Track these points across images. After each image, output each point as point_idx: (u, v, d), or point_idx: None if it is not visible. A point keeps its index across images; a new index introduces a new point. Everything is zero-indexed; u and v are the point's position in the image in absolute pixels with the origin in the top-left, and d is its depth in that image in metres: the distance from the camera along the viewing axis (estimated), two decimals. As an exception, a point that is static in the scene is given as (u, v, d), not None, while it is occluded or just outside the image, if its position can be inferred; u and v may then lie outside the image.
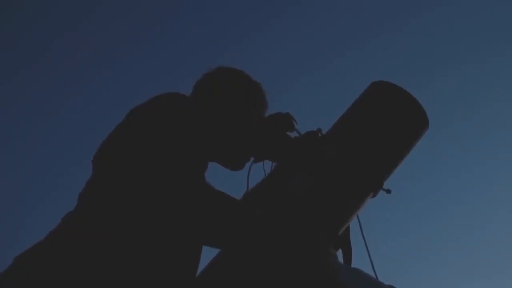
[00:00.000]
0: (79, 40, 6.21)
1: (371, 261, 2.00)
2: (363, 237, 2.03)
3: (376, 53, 6.14)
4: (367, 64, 5.95)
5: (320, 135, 2.00)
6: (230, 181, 2.02)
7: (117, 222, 1.61)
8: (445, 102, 6.03)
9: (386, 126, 2.00)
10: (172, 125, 1.70)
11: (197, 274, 1.76)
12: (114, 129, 1.77)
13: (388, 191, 2.00)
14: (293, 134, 2.03)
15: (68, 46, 6.22)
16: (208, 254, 1.79)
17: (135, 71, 6.27)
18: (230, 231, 1.70)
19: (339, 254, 1.99)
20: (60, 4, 6.24)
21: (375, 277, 1.96)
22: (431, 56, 6.19)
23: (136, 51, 6.32)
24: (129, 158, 1.66)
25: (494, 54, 6.01)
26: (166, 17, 6.34)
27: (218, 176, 1.92)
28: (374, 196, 2.00)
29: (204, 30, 6.28)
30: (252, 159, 2.04)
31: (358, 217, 2.03)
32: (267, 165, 2.04)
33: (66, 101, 6.15)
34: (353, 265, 2.01)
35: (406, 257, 5.90)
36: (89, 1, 6.14)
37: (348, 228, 2.03)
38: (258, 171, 2.04)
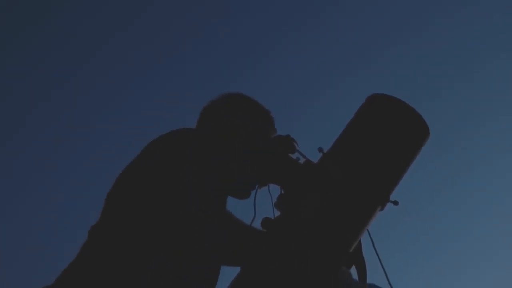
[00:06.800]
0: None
1: (386, 275, 1.99)
2: (376, 251, 2.03)
3: (370, 68, 6.18)
4: (362, 80, 5.98)
5: (321, 154, 2.01)
6: (237, 207, 2.03)
7: (140, 256, 1.69)
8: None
9: (386, 139, 2.00)
10: (189, 163, 1.78)
11: None
12: (129, 164, 1.84)
13: (396, 203, 1.99)
14: (295, 155, 2.04)
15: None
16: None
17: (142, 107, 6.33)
18: (247, 253, 1.80)
19: (353, 270, 1.99)
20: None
21: (391, 290, 1.95)
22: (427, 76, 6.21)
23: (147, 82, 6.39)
24: (147, 195, 1.73)
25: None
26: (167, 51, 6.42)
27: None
28: (382, 209, 2.00)
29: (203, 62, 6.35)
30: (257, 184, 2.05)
31: (368, 231, 2.02)
32: (273, 189, 2.05)
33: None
34: (368, 281, 2.00)
35: (421, 264, 5.86)
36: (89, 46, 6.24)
37: (359, 244, 2.02)
38: (265, 195, 2.05)
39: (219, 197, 1.86)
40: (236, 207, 2.03)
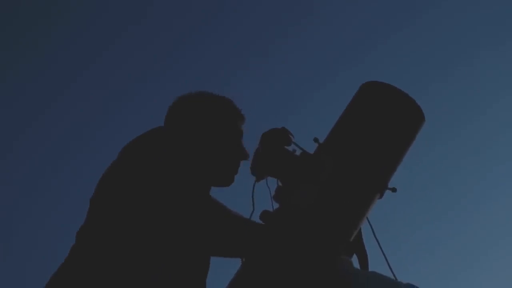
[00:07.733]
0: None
1: (387, 262, 1.99)
2: (376, 239, 2.02)
3: (363, 59, 6.19)
4: (356, 71, 5.99)
5: (317, 144, 2.00)
6: (235, 202, 2.04)
7: (125, 257, 1.75)
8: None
9: (382, 126, 1.99)
10: (164, 161, 1.85)
11: None
12: (108, 167, 1.89)
13: (394, 190, 1.99)
14: (291, 147, 2.04)
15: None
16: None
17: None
18: (242, 243, 1.86)
19: (355, 259, 1.99)
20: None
21: (393, 278, 1.95)
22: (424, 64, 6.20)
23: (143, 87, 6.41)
24: (130, 195, 1.78)
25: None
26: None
27: (223, 198, 1.98)
28: (380, 197, 1.99)
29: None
30: (255, 178, 2.05)
31: (368, 220, 2.02)
32: (270, 182, 2.05)
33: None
34: (370, 269, 2.00)
35: (422, 251, 5.88)
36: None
37: (360, 233, 2.02)
38: (263, 188, 2.05)
39: (201, 190, 1.92)
40: (235, 202, 2.03)
